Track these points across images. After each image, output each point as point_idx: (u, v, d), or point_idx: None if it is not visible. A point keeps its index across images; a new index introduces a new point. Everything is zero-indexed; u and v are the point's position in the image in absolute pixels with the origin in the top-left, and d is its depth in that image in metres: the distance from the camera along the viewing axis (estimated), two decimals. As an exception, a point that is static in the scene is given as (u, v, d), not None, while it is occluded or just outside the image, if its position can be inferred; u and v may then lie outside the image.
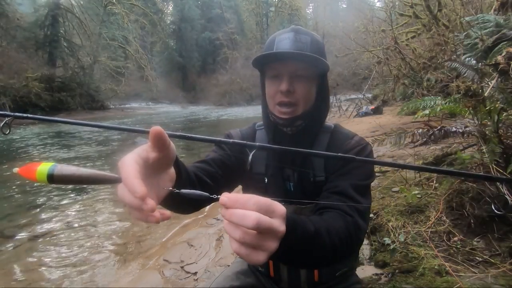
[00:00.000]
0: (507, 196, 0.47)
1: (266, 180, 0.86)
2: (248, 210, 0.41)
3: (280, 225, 0.43)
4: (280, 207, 0.44)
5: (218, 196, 0.47)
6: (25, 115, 0.57)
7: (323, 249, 0.57)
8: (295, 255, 0.53)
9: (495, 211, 0.50)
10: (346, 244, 0.63)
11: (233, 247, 0.42)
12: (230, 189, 0.87)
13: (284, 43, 0.80)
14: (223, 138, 0.93)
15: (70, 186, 4.41)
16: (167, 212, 0.43)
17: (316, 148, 0.87)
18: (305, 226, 0.54)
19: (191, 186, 0.65)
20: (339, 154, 0.50)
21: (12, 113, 0.53)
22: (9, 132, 0.53)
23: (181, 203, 0.65)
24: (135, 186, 0.39)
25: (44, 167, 0.41)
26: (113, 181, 0.43)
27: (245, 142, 0.52)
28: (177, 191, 0.46)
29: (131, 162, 0.42)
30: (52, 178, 0.41)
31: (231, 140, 0.53)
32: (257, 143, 0.49)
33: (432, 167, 0.56)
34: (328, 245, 0.58)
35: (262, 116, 0.92)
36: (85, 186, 4.48)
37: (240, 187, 0.93)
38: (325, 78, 0.86)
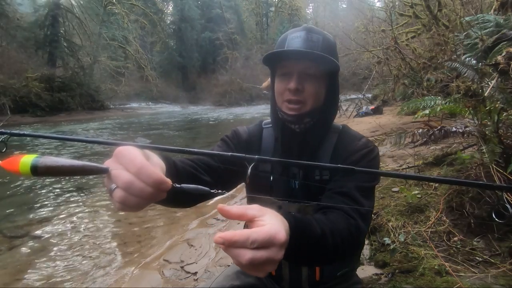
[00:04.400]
0: (507, 205, 0.47)
1: (271, 178, 0.86)
2: (247, 249, 0.40)
3: (276, 254, 0.43)
4: (280, 237, 0.43)
5: (218, 191, 0.47)
6: (21, 132, 0.57)
7: (326, 249, 0.59)
8: (301, 254, 0.54)
9: (496, 219, 0.50)
10: (348, 245, 0.64)
11: (234, 261, 0.43)
12: (232, 185, 0.87)
13: (296, 41, 0.80)
14: (229, 134, 0.95)
15: (70, 187, 4.41)
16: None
17: (324, 147, 0.87)
18: (311, 228, 0.55)
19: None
20: (339, 165, 0.50)
21: (8, 131, 0.53)
22: (5, 150, 0.52)
23: (178, 199, 0.64)
24: (153, 171, 0.40)
25: (27, 159, 0.40)
26: (101, 172, 0.42)
27: (244, 155, 0.51)
28: (178, 185, 0.45)
29: (138, 152, 0.42)
30: (36, 170, 0.39)
31: (230, 154, 0.52)
32: (256, 156, 0.48)
33: (432, 177, 0.55)
34: (331, 245, 0.59)
35: (270, 113, 0.92)
36: (77, 178, 4.48)
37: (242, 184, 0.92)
38: (335, 78, 0.86)
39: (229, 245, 0.41)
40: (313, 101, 0.82)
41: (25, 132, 0.57)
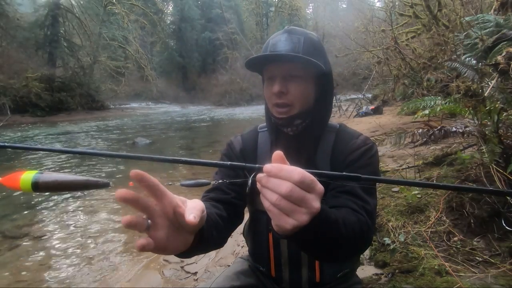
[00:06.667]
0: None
1: None
2: (292, 180, 0.42)
3: (314, 201, 0.44)
4: (320, 186, 0.45)
5: (219, 181, 0.54)
6: (16, 145, 0.54)
7: (340, 238, 0.57)
8: (315, 240, 0.53)
9: (506, 227, 0.50)
10: (359, 239, 0.64)
11: (265, 204, 0.44)
12: (243, 210, 0.89)
13: (277, 45, 0.81)
14: (225, 149, 0.96)
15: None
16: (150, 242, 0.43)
17: (322, 148, 0.87)
18: (327, 212, 0.54)
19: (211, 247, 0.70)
20: (344, 173, 0.49)
21: (4, 144, 0.51)
22: None
23: (202, 247, 0.62)
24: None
25: (28, 176, 0.40)
26: (102, 187, 0.42)
27: (243, 164, 0.51)
28: (175, 183, 0.46)
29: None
30: (37, 186, 0.40)
31: (229, 163, 0.52)
32: (257, 165, 0.48)
33: (441, 184, 0.54)
34: (344, 235, 0.58)
35: (265, 118, 0.93)
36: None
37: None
38: (327, 77, 0.85)
39: (276, 173, 0.42)
40: (301, 103, 0.81)
41: (21, 145, 0.55)
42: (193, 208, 0.45)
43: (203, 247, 0.60)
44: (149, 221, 0.44)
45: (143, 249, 0.42)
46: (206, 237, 0.60)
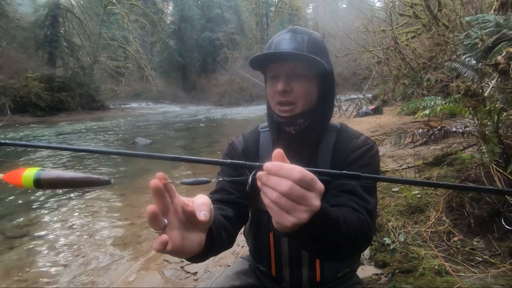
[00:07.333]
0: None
1: None
2: (292, 178, 0.43)
3: (314, 199, 0.44)
4: (320, 184, 0.45)
5: (219, 179, 0.52)
6: (15, 142, 0.53)
7: (340, 237, 0.57)
8: (315, 239, 0.53)
9: (506, 226, 0.50)
10: (359, 238, 0.64)
11: (265, 202, 0.45)
12: (248, 210, 0.90)
13: (281, 44, 0.81)
14: (226, 149, 0.96)
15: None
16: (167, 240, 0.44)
17: (323, 147, 0.87)
18: (327, 210, 0.53)
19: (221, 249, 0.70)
20: (344, 171, 0.49)
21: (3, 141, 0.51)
22: None
23: (213, 248, 0.62)
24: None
25: (30, 172, 0.40)
26: (103, 184, 0.43)
27: (244, 162, 0.50)
28: (175, 182, 0.46)
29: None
30: (39, 183, 0.40)
31: (229, 161, 0.52)
32: (257, 163, 0.48)
33: (441, 182, 0.54)
34: (345, 233, 0.58)
35: (266, 117, 0.93)
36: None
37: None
38: (329, 77, 0.86)
39: (276, 171, 0.43)
40: (304, 101, 0.82)
41: (20, 142, 0.54)
42: (201, 205, 0.46)
43: (215, 248, 0.62)
44: (166, 220, 0.45)
45: (161, 248, 0.42)
46: (217, 238, 0.62)
